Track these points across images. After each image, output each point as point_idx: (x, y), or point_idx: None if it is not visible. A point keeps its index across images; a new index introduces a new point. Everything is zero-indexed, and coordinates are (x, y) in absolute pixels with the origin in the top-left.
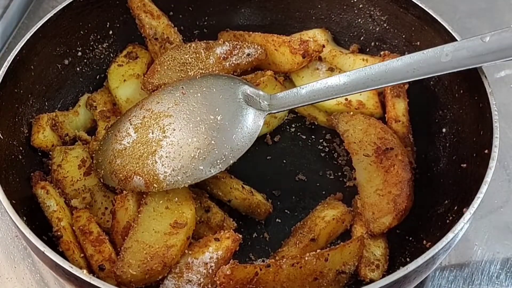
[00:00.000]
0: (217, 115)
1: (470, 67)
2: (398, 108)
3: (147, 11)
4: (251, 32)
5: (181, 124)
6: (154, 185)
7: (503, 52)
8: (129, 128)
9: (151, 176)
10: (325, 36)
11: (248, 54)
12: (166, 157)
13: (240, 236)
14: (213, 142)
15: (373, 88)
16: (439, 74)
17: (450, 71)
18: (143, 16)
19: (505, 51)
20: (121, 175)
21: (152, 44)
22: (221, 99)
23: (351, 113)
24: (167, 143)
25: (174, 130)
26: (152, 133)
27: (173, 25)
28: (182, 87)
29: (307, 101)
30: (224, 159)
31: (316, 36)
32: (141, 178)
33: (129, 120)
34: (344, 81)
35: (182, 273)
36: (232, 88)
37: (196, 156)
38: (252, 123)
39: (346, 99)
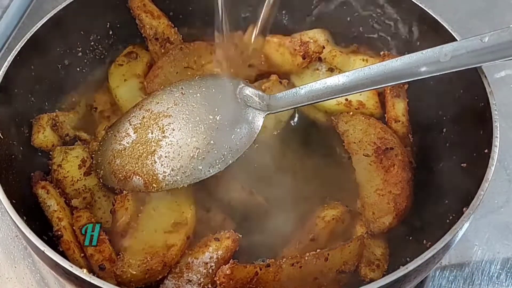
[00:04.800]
0: (216, 115)
1: (469, 67)
2: (398, 108)
3: (147, 11)
4: None
5: (180, 124)
6: (153, 185)
7: (502, 52)
8: (129, 128)
9: (150, 176)
10: (325, 36)
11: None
12: (165, 157)
13: (240, 236)
14: (212, 142)
15: (373, 88)
16: (438, 74)
17: (449, 71)
18: (143, 16)
19: (504, 51)
20: (120, 175)
21: (153, 44)
22: (220, 99)
23: (351, 113)
24: (166, 143)
25: (173, 130)
26: (152, 133)
27: (173, 25)
28: (182, 87)
29: (306, 101)
30: (223, 159)
31: (316, 36)
32: (140, 178)
33: (129, 120)
34: (344, 81)
35: (182, 273)
36: (232, 88)
37: (195, 156)
38: (251, 123)
39: (346, 99)
